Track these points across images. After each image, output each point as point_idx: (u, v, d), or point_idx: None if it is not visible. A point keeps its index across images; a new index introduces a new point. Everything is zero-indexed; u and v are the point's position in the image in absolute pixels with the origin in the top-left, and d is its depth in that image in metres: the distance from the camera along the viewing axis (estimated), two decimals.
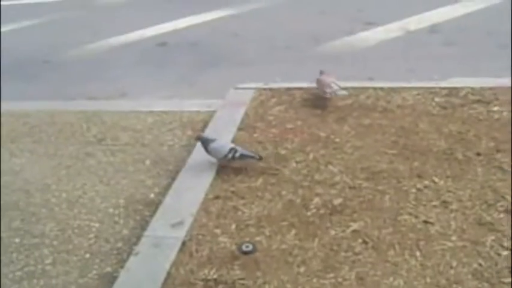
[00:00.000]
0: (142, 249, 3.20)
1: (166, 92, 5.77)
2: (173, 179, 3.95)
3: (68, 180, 4.15)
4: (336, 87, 4.55)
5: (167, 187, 3.87)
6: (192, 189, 3.66)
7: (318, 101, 4.68)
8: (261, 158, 3.87)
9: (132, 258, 3.15)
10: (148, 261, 3.09)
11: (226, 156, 3.82)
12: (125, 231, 3.54)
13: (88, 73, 6.67)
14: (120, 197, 3.87)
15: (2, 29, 8.75)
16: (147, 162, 4.25)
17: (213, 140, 3.89)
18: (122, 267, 3.19)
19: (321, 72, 4.70)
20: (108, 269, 3.24)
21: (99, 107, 5.31)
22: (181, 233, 3.25)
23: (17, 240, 3.59)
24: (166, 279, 2.95)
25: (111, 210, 3.75)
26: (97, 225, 3.63)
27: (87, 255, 3.37)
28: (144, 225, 3.53)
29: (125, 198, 3.85)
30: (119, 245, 3.43)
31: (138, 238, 3.40)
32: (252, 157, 3.85)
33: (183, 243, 3.18)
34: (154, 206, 3.70)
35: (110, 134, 4.75)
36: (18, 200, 3.99)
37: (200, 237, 3.24)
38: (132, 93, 5.88)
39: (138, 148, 4.47)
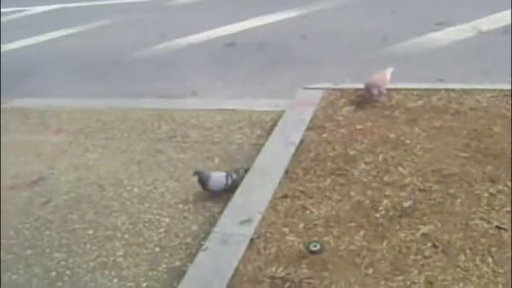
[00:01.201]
0: (211, 245, 3.24)
1: (235, 92, 5.82)
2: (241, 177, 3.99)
3: (139, 175, 4.26)
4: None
5: None
6: (260, 188, 3.69)
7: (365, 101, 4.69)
8: (247, 170, 3.95)
9: (200, 254, 3.20)
10: (217, 257, 3.13)
11: (226, 184, 3.86)
12: (194, 227, 3.60)
13: (158, 73, 6.80)
14: (190, 193, 3.93)
15: (74, 30, 9.09)
16: (216, 160, 4.31)
17: (208, 176, 3.90)
18: (190, 261, 3.26)
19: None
20: (177, 263, 3.31)
21: (170, 105, 5.43)
22: (249, 231, 3.28)
23: (90, 232, 3.72)
24: (233, 275, 2.98)
25: (180, 205, 3.83)
26: (167, 220, 3.71)
27: (157, 249, 3.46)
28: (212, 221, 3.59)
29: (194, 194, 3.92)
30: (188, 240, 3.49)
31: (207, 234, 3.45)
32: (244, 170, 3.95)
33: (251, 241, 3.21)
34: (223, 203, 3.74)
35: (180, 131, 4.85)
36: (91, 194, 4.13)
37: (268, 235, 3.26)
38: (202, 92, 5.96)
39: (207, 146, 4.53)
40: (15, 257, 3.62)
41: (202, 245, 3.35)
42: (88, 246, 3.59)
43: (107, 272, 3.33)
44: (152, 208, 3.85)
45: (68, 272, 3.39)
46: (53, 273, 3.41)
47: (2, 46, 8.66)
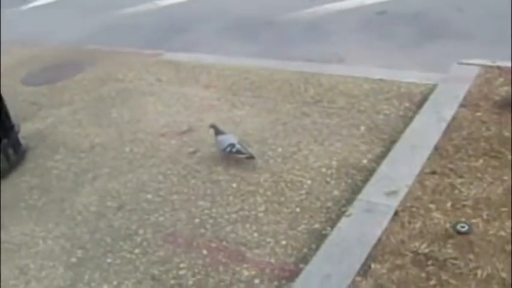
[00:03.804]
0: (355, 212, 3.22)
1: (384, 61, 5.67)
2: (386, 147, 3.92)
3: (284, 136, 4.30)
4: None
5: (380, 155, 3.84)
6: (408, 161, 3.60)
7: None
8: (253, 157, 4.01)
9: (343, 219, 3.19)
10: (360, 225, 3.11)
11: (225, 149, 4.03)
12: (336, 192, 3.58)
13: (306, 36, 6.79)
14: (333, 159, 3.92)
15: None
16: (362, 128, 4.25)
17: (222, 133, 4.14)
18: (329, 225, 3.26)
19: None
20: (317, 226, 3.32)
21: (317, 70, 5.39)
22: (394, 202, 3.22)
23: (233, 185, 3.83)
24: (376, 245, 2.95)
25: (323, 170, 3.82)
26: (309, 182, 3.72)
27: (298, 209, 3.49)
28: (354, 189, 3.56)
29: (337, 160, 3.90)
30: (329, 204, 3.49)
31: (348, 200, 3.44)
32: (244, 154, 4.02)
33: (396, 213, 3.15)
34: (365, 171, 3.71)
35: (327, 96, 4.81)
36: None
37: (414, 209, 3.18)
38: (349, 59, 5.87)
39: (353, 113, 4.47)
40: (162, 200, 3.81)
41: (342, 210, 3.35)
42: (231, 198, 3.69)
43: (247, 225, 3.42)
44: (295, 169, 3.87)
45: (210, 221, 3.52)
46: (197, 220, 3.55)
47: (159, 1, 9.04)
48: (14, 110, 4.82)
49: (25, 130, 4.95)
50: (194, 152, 4.27)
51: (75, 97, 5.69)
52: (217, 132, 4.16)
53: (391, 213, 3.14)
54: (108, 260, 3.37)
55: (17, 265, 3.48)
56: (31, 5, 11.01)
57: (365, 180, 3.59)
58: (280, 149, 4.13)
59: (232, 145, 4.03)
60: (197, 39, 7.18)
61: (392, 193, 3.29)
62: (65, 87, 5.98)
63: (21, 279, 3.36)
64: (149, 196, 3.88)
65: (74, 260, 3.43)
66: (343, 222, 3.16)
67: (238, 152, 4.02)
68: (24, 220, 3.89)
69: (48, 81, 6.22)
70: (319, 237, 3.20)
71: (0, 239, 3.71)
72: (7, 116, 4.62)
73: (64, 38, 8.19)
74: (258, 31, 7.14)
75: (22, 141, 4.79)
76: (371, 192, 3.37)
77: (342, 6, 7.69)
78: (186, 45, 6.97)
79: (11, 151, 4.58)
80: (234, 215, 3.53)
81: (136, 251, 3.41)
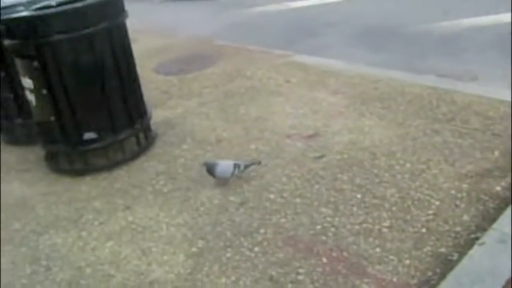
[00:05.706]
0: (488, 241, 3.08)
1: None
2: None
3: (413, 151, 4.19)
4: None
5: None
6: None
7: None
8: (260, 162, 4.20)
9: (476, 247, 3.06)
10: (493, 256, 2.97)
11: (233, 172, 4.04)
12: (465, 217, 3.44)
13: (437, 50, 6.60)
14: (464, 182, 3.77)
15: None
16: (496, 152, 4.06)
17: (215, 164, 4.08)
18: (457, 251, 3.14)
19: None
20: (443, 250, 3.20)
21: (451, 86, 5.21)
22: None
23: (358, 196, 3.77)
24: (509, 280, 2.80)
25: (453, 192, 3.69)
26: (437, 203, 3.60)
27: (423, 230, 3.38)
28: (485, 216, 3.40)
29: (468, 183, 3.74)
30: (457, 229, 3.36)
31: (478, 227, 3.30)
32: (253, 163, 4.16)
33: None
34: (498, 199, 3.54)
35: (460, 115, 4.64)
36: (363, 159, 4.17)
37: None
38: (483, 78, 5.64)
39: (487, 136, 4.29)
40: (285, 201, 3.82)
41: (471, 237, 3.22)
42: (355, 209, 3.64)
43: (370, 239, 3.35)
44: (423, 188, 3.76)
45: (332, 229, 3.49)
46: (318, 227, 3.53)
47: (289, 3, 9.12)
48: (146, 96, 5.02)
49: (155, 117, 5.14)
50: (320, 157, 4.26)
51: (205, 90, 5.86)
52: (210, 165, 4.11)
53: None
54: (228, 255, 3.42)
55: (140, 246, 3.62)
56: None
57: (497, 208, 3.43)
58: (408, 165, 4.03)
59: (237, 165, 4.08)
60: (324, 44, 7.18)
61: None
62: (195, 79, 6.18)
63: (143, 261, 3.49)
64: (272, 196, 3.91)
65: (194, 249, 3.52)
66: (476, 250, 3.03)
67: (247, 166, 4.12)
68: (150, 204, 4.04)
69: (179, 72, 6.45)
70: (445, 262, 3.09)
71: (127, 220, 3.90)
72: (142, 101, 4.83)
73: (194, 31, 8.46)
74: (386, 41, 7.04)
75: (152, 127, 4.98)
76: (506, 223, 3.20)
77: (477, 22, 7.42)
78: (313, 48, 6.98)
79: (142, 136, 4.79)
80: (356, 227, 3.48)
81: (256, 249, 3.44)
